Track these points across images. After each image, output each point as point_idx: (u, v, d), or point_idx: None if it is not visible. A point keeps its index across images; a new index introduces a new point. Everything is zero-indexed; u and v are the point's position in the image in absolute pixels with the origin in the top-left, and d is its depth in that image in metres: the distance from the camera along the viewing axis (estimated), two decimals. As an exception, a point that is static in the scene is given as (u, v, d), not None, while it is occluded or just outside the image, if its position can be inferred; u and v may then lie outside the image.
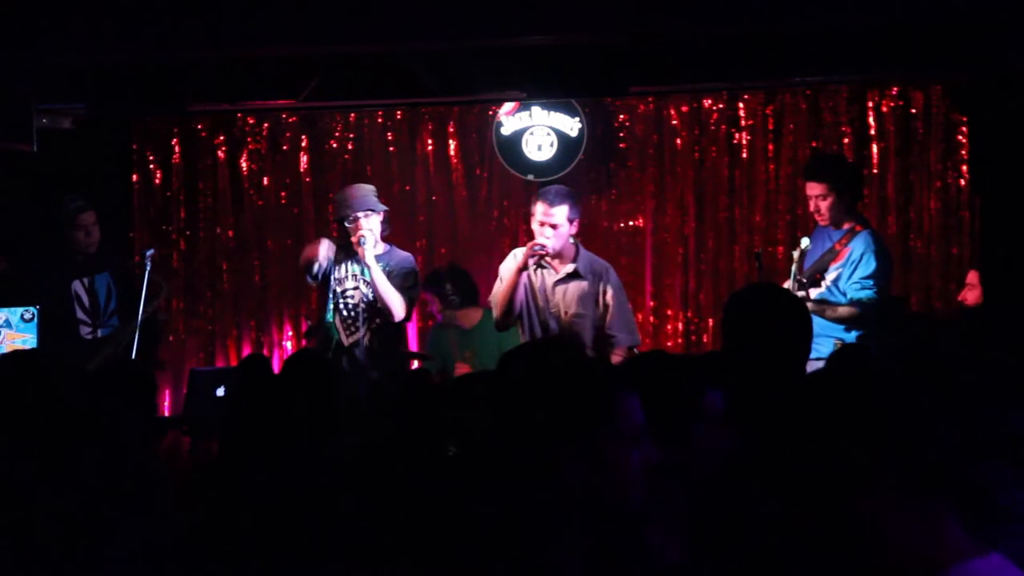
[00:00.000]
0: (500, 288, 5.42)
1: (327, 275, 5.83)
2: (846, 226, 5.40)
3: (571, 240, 5.41)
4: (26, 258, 6.26)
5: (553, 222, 5.26)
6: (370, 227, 5.67)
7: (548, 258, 5.34)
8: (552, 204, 5.28)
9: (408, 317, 5.84)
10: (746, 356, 2.90)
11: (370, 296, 5.73)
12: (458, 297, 6.54)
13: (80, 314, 6.06)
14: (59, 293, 6.01)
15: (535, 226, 5.33)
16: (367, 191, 5.85)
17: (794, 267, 5.28)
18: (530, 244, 5.33)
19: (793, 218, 6.93)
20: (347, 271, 5.79)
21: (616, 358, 5.22)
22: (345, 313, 5.77)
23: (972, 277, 6.25)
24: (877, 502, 1.61)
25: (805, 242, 5.38)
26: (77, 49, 5.66)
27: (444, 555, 1.85)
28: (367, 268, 5.64)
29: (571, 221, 5.31)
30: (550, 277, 5.38)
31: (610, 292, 5.38)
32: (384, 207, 5.82)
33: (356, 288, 5.76)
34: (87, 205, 6.04)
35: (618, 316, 5.40)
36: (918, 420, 1.64)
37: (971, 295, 6.15)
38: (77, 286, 6.07)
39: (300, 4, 5.47)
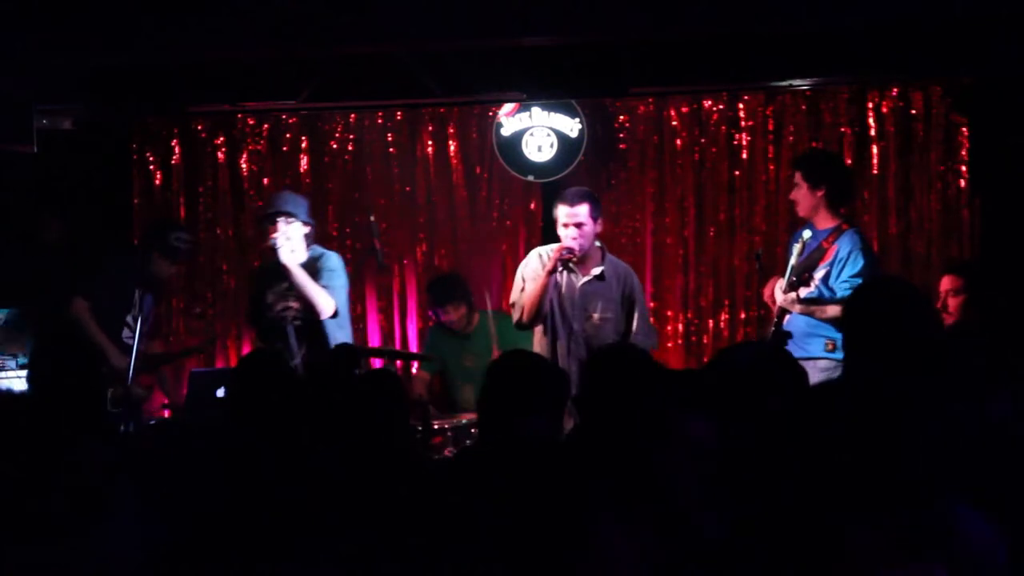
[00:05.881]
0: (528, 292, 5.41)
1: (262, 311, 5.78)
2: (832, 224, 5.39)
3: (597, 244, 5.44)
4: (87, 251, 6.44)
5: (577, 221, 5.31)
6: (288, 234, 5.65)
7: (574, 261, 5.36)
8: (573, 204, 5.33)
9: (337, 313, 5.76)
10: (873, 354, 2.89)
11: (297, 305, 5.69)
12: (462, 305, 6.53)
13: (129, 319, 6.00)
14: (126, 293, 6.01)
15: (560, 230, 5.37)
16: (296, 197, 5.85)
17: (792, 259, 5.26)
18: (558, 247, 5.35)
19: (793, 219, 6.90)
20: (277, 291, 5.74)
21: None
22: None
23: (949, 282, 5.46)
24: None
25: (807, 233, 5.30)
26: (77, 49, 5.66)
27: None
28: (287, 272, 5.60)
29: (595, 219, 5.36)
30: (577, 280, 5.40)
31: (636, 295, 5.44)
32: (310, 221, 5.80)
33: (288, 307, 5.70)
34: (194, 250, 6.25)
35: (641, 322, 5.46)
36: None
37: (954, 302, 5.40)
38: (137, 294, 6.05)
39: (300, 4, 5.47)
